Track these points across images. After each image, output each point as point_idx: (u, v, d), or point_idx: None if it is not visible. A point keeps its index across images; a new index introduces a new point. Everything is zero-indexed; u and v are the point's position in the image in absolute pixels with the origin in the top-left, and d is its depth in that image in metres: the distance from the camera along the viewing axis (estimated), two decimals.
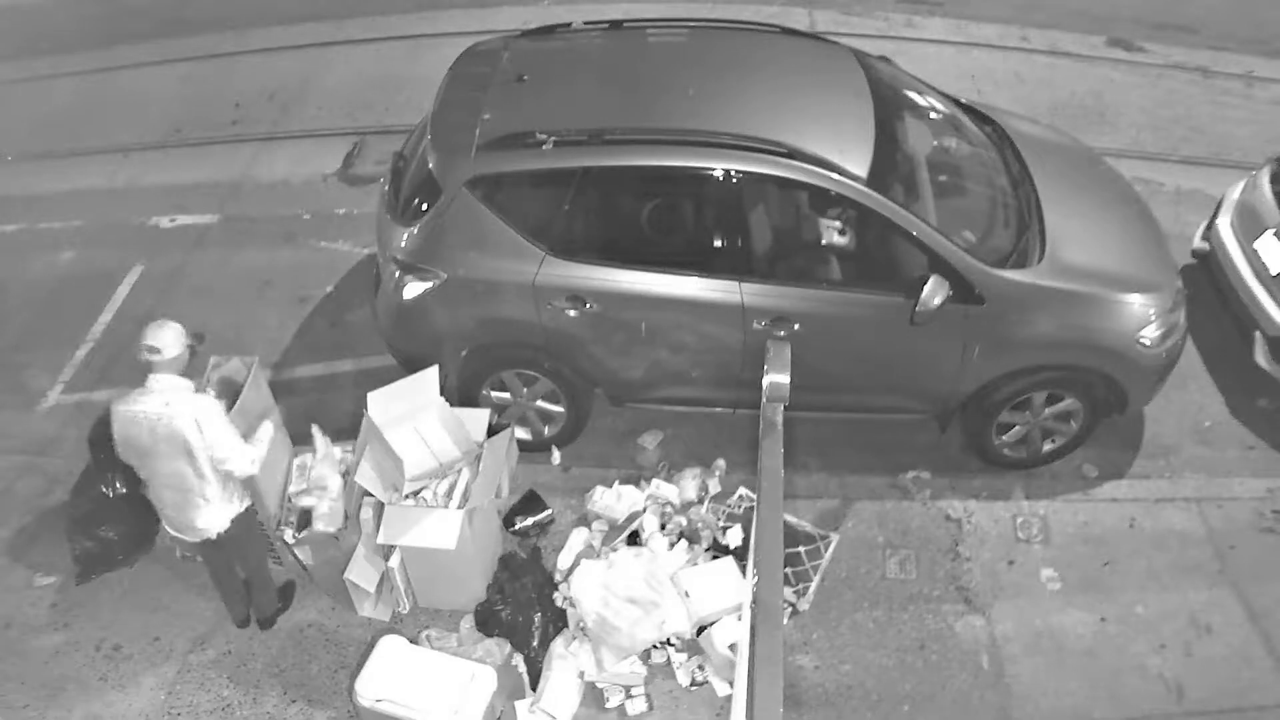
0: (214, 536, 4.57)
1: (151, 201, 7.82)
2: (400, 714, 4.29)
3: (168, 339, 4.19)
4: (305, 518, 5.01)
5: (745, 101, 5.23)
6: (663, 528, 5.31)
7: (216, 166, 8.08)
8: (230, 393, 4.83)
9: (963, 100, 6.17)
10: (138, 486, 5.13)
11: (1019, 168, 5.67)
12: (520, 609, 4.98)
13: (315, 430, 5.21)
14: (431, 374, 4.99)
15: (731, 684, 4.58)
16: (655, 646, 4.92)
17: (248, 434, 4.54)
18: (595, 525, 5.41)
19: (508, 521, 5.49)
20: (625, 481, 5.56)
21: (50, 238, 7.61)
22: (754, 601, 2.71)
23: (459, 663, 4.49)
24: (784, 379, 3.08)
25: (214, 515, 4.51)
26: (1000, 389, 5.31)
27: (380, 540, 4.86)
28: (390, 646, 4.49)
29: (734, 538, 5.25)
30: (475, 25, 8.55)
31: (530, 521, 5.49)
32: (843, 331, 5.15)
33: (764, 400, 3.09)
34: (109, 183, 8.10)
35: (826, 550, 5.34)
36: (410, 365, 5.30)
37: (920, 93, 5.86)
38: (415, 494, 4.94)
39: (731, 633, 4.73)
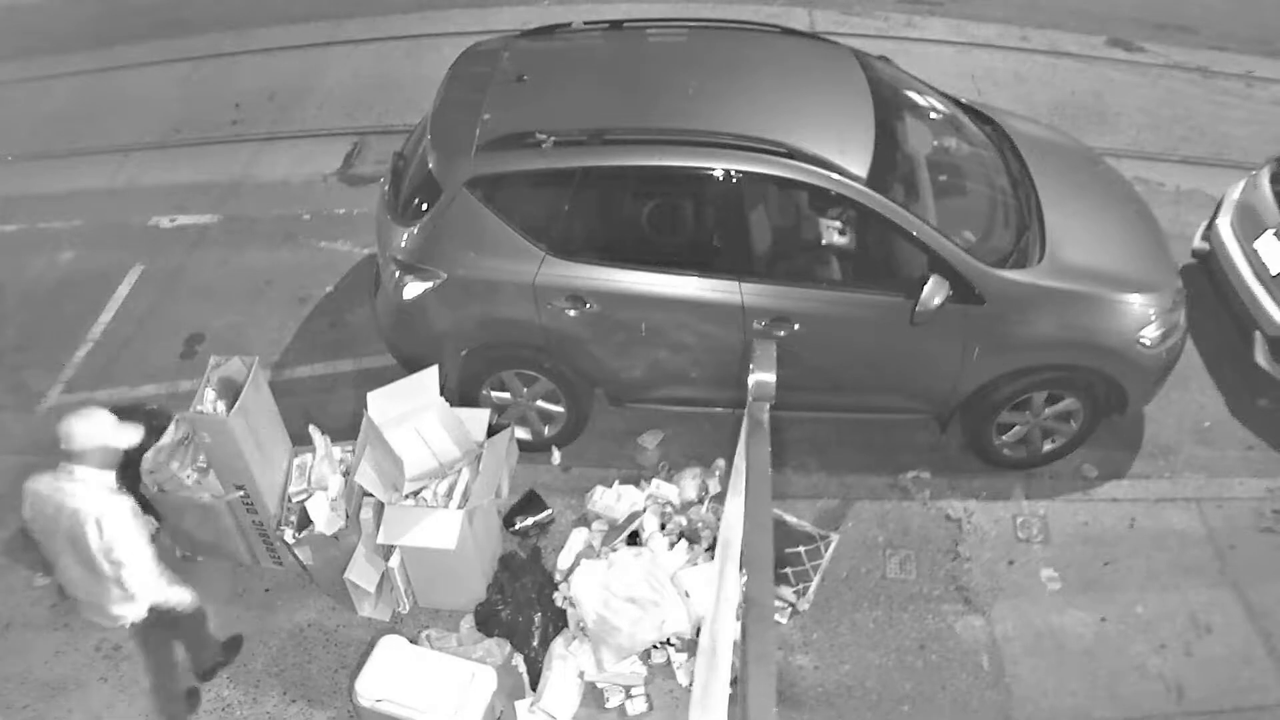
0: (128, 626, 4.26)
1: (151, 201, 7.83)
2: (400, 714, 4.29)
3: (78, 431, 3.86)
4: (305, 518, 5.01)
5: (745, 101, 5.23)
6: (663, 528, 5.31)
7: (216, 166, 8.08)
8: (230, 393, 4.83)
9: (963, 100, 6.17)
10: (138, 486, 5.14)
11: (1019, 168, 5.67)
12: (520, 609, 4.98)
13: (313, 430, 5.21)
14: (431, 374, 4.99)
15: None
16: (655, 646, 4.92)
17: (253, 433, 4.50)
18: (595, 525, 5.41)
19: (508, 521, 5.50)
20: (625, 481, 5.56)
21: (50, 238, 7.61)
22: (745, 601, 2.71)
23: (459, 663, 4.49)
24: (770, 378, 3.08)
25: (130, 606, 4.16)
26: (1000, 389, 5.31)
27: (380, 540, 4.86)
28: (390, 646, 4.49)
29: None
30: (475, 25, 8.57)
31: (530, 521, 5.50)
32: (843, 331, 5.15)
33: (750, 399, 3.10)
34: (109, 183, 8.10)
35: (826, 550, 5.34)
36: (410, 365, 5.30)
37: (920, 93, 5.85)
38: (415, 494, 4.94)
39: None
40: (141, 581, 4.06)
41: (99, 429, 3.91)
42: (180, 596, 4.29)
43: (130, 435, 4.03)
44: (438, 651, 4.70)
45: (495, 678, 4.41)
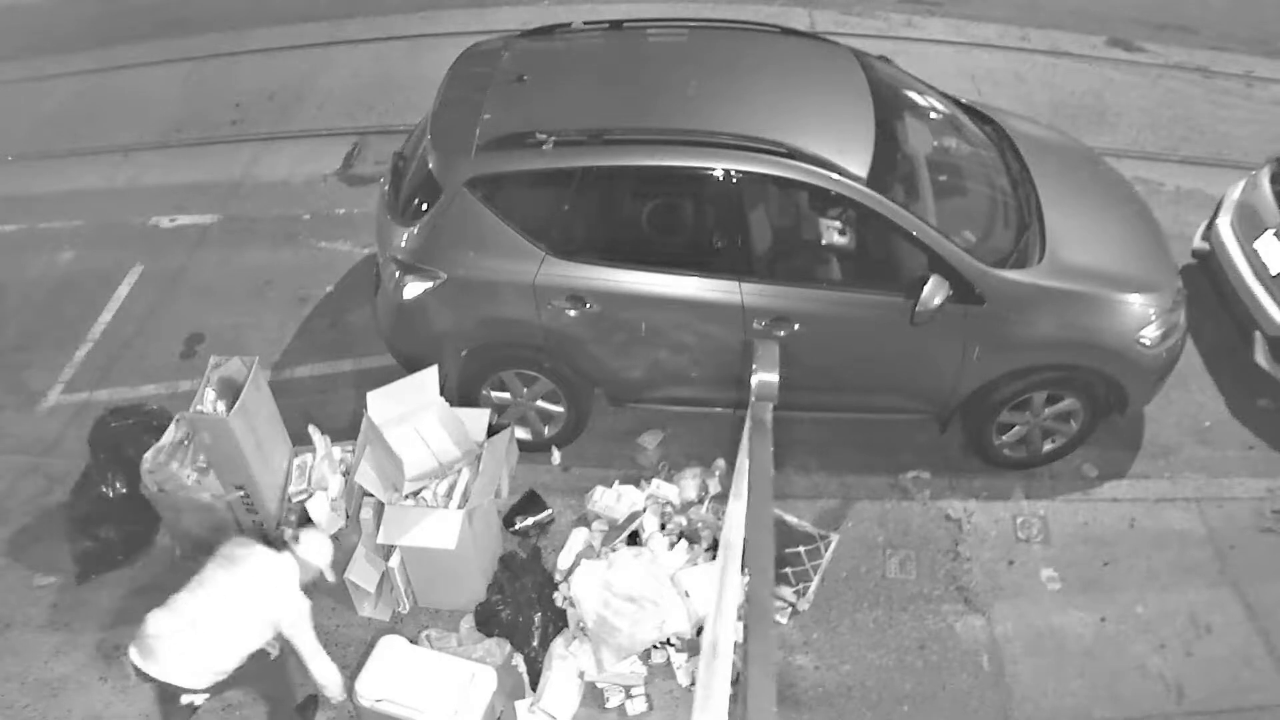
0: (195, 704, 4.27)
1: (151, 201, 7.82)
2: (400, 714, 4.29)
3: (309, 547, 4.25)
4: (305, 518, 5.01)
5: (745, 101, 5.23)
6: (663, 528, 5.31)
7: (216, 166, 8.08)
8: (230, 393, 4.83)
9: (963, 100, 6.17)
10: (137, 486, 5.14)
11: (1019, 168, 5.67)
12: (520, 609, 4.98)
13: (313, 430, 5.21)
14: (431, 374, 4.99)
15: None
16: (655, 646, 4.92)
17: (253, 433, 4.50)
18: (595, 525, 5.41)
19: (508, 521, 5.50)
20: (625, 481, 5.56)
21: (50, 238, 7.61)
22: (747, 601, 2.71)
23: (459, 663, 4.49)
24: (773, 378, 3.08)
25: (198, 687, 4.14)
26: (1000, 389, 5.31)
27: (380, 540, 4.86)
28: (390, 646, 4.49)
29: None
30: (475, 25, 8.56)
31: (530, 521, 5.50)
32: (843, 331, 5.15)
33: (752, 399, 3.10)
34: (109, 183, 8.10)
35: (826, 550, 5.34)
36: (410, 365, 5.30)
37: (920, 93, 5.85)
38: (415, 494, 4.94)
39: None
40: (323, 673, 4.28)
41: (320, 554, 4.29)
42: (336, 692, 4.38)
43: (326, 566, 4.35)
44: (438, 652, 4.69)
45: (495, 678, 4.41)
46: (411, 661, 4.46)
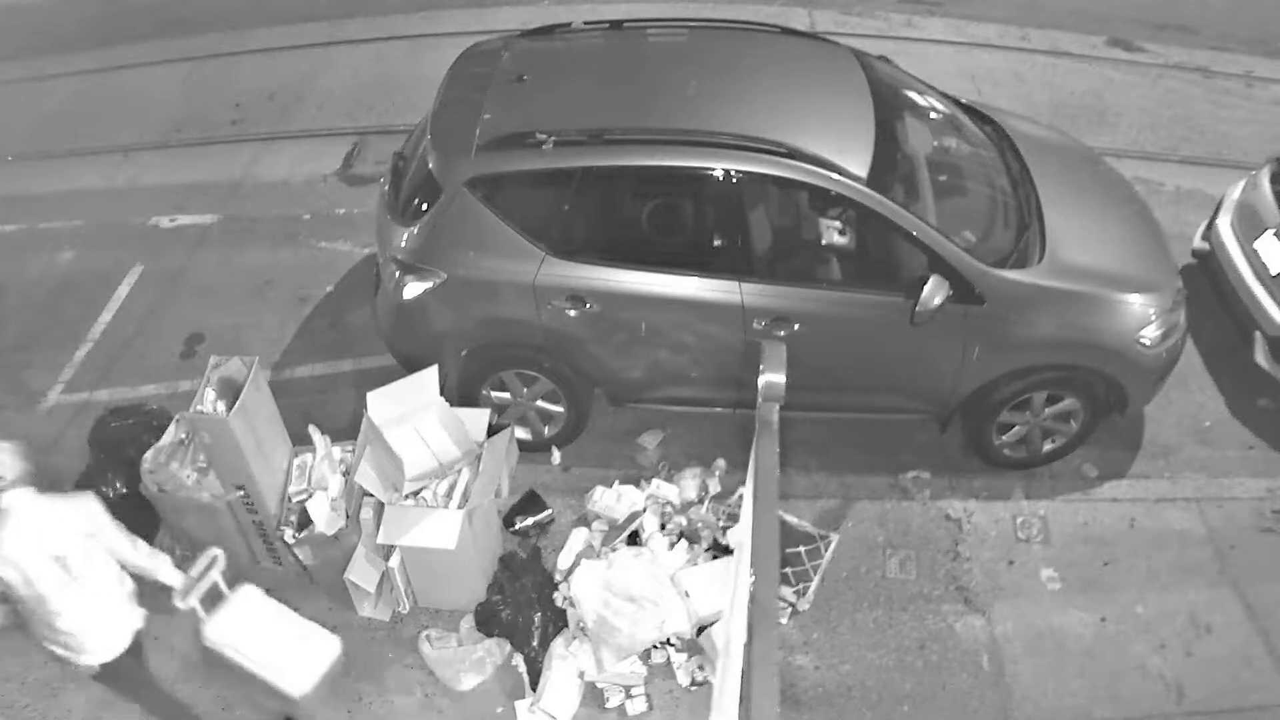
0: (96, 667, 4.11)
1: (151, 201, 7.83)
2: (239, 661, 4.23)
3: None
4: (305, 518, 5.01)
5: (745, 101, 5.23)
6: (663, 528, 5.31)
7: (216, 166, 8.09)
8: (230, 393, 4.83)
9: (963, 100, 6.17)
10: (137, 486, 5.14)
11: (1019, 168, 5.67)
12: (520, 609, 4.98)
13: (313, 430, 5.21)
14: (431, 374, 4.99)
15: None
16: (655, 646, 4.92)
17: (253, 433, 4.47)
18: (595, 525, 5.41)
19: (508, 521, 5.50)
20: (625, 481, 5.56)
21: (50, 238, 7.61)
22: (750, 601, 2.71)
23: (309, 625, 4.45)
24: (780, 379, 3.08)
25: (107, 640, 4.06)
26: (1000, 389, 5.31)
27: (380, 540, 4.86)
28: (247, 596, 4.39)
29: (734, 537, 5.25)
30: (475, 25, 8.57)
31: (530, 521, 5.50)
32: (843, 331, 5.15)
33: (759, 400, 3.10)
34: (109, 183, 8.10)
35: (826, 550, 5.34)
36: (410, 365, 5.30)
37: (920, 93, 5.86)
38: (415, 494, 4.94)
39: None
40: (164, 574, 4.07)
41: (11, 453, 3.87)
42: (171, 576, 4.15)
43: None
44: (293, 611, 4.53)
45: (340, 645, 4.36)
46: (263, 614, 4.37)
